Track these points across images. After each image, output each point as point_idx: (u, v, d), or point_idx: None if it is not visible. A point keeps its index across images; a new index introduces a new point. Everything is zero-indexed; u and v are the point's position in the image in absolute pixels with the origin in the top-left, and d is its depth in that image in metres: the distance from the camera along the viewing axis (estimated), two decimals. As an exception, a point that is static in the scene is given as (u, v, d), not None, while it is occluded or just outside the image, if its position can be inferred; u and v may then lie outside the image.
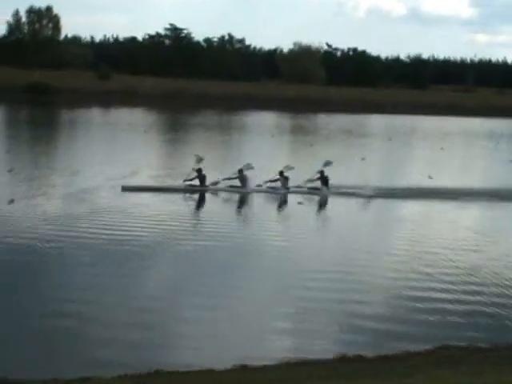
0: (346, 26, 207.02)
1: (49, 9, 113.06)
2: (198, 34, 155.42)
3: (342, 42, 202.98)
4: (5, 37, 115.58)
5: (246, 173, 25.23)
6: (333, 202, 24.84)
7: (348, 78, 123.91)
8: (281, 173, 25.28)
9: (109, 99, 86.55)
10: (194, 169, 25.05)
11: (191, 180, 24.66)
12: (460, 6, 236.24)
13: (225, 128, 58.43)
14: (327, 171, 26.06)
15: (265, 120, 74.38)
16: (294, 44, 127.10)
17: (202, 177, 24.74)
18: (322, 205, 24.58)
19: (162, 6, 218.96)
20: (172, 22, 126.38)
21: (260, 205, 23.67)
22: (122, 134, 47.54)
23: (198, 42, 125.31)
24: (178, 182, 24.89)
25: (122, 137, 45.83)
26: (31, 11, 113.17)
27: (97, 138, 45.04)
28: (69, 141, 43.51)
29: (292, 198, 24.39)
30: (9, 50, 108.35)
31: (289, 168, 25.92)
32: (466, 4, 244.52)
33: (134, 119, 64.09)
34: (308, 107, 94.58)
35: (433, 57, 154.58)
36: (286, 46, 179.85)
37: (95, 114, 74.69)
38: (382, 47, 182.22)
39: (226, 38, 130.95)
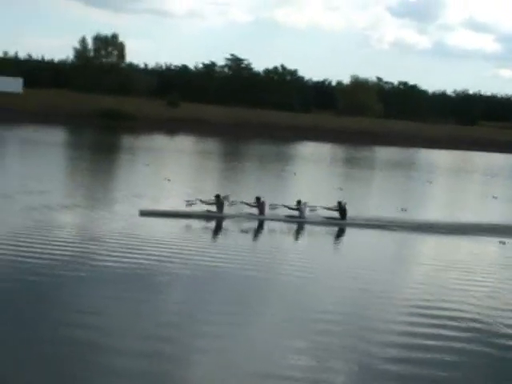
0: (370, 57, 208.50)
1: (114, 36, 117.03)
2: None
3: (367, 72, 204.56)
4: (71, 63, 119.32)
5: (263, 199, 25.26)
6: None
7: (400, 111, 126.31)
8: (298, 202, 25.33)
9: (178, 126, 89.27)
10: (217, 197, 24.95)
11: (209, 204, 24.78)
12: (485, 40, 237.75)
13: (308, 160, 59.91)
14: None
15: (340, 152, 76.19)
16: (352, 77, 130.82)
17: (220, 203, 24.86)
18: (340, 235, 24.40)
19: (190, 34, 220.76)
20: (233, 53, 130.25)
21: (277, 232, 23.77)
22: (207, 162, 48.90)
23: (258, 73, 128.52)
24: (197, 208, 24.82)
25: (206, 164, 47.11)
26: (97, 38, 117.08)
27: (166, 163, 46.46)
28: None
29: (313, 228, 24.44)
30: (75, 76, 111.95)
31: (308, 204, 25.76)
32: (491, 39, 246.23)
33: (228, 149, 66.35)
34: (364, 139, 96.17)
35: (479, 92, 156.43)
36: (315, 76, 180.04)
37: (165, 140, 76.54)
38: (408, 79, 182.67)
39: (279, 69, 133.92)
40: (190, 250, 19.02)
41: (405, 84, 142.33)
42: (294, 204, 25.31)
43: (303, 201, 25.45)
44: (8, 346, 11.38)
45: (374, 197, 35.56)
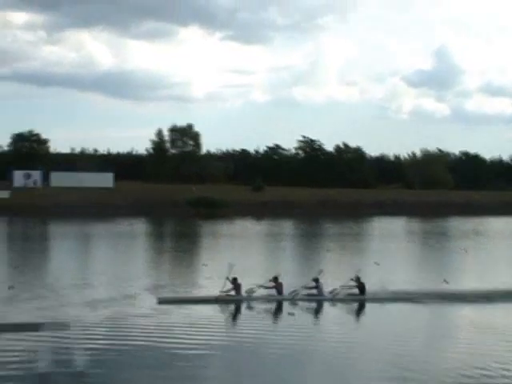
0: (389, 128, 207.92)
1: (189, 126, 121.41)
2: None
3: (389, 142, 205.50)
4: (150, 155, 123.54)
5: (282, 280, 25.55)
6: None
7: (466, 181, 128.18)
8: (316, 280, 25.71)
9: (265, 210, 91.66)
10: (227, 278, 25.12)
11: (228, 291, 24.91)
12: (503, 104, 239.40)
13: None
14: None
15: (457, 226, 76.83)
16: (421, 151, 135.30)
17: (237, 286, 24.85)
18: (359, 311, 24.85)
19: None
20: (304, 135, 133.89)
21: (298, 312, 23.79)
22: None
23: (330, 152, 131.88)
24: (215, 293, 25.01)
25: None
26: (174, 129, 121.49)
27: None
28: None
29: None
30: (154, 167, 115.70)
31: (320, 272, 26.63)
32: (509, 103, 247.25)
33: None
34: (449, 211, 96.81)
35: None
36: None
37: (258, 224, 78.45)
38: (430, 147, 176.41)
39: (342, 146, 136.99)
40: (214, 336, 19.51)
41: (466, 154, 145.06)
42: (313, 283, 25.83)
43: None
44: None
45: None
